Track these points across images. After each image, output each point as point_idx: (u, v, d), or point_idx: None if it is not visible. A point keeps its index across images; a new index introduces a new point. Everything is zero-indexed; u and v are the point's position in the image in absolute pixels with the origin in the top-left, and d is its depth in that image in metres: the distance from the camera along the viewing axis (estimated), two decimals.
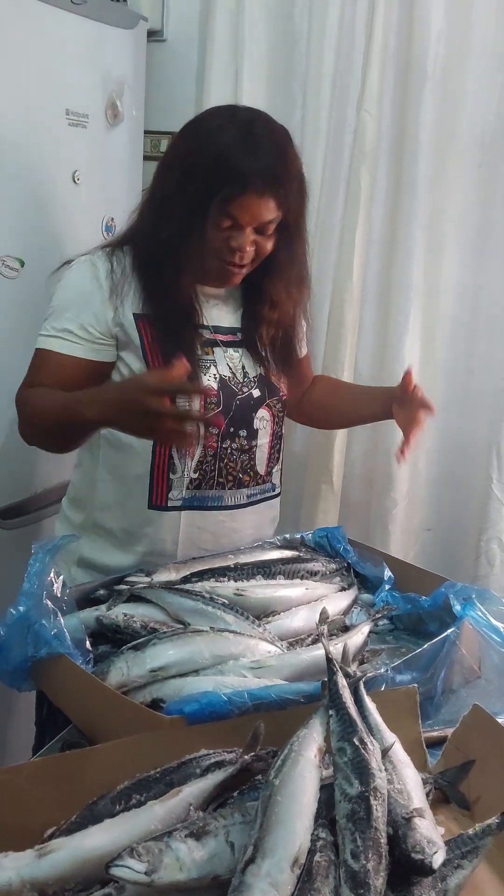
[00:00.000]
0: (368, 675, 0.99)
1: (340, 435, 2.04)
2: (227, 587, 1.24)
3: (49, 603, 1.08)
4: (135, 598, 1.22)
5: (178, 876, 0.72)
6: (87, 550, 1.42)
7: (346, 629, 1.25)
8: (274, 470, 1.50)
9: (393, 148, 1.95)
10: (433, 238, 1.94)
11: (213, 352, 1.38)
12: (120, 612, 1.18)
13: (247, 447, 1.41)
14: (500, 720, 0.99)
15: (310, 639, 1.20)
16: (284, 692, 0.97)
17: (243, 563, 1.31)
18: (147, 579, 1.26)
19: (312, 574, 1.37)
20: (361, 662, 1.19)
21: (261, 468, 1.45)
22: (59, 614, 1.08)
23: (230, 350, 1.41)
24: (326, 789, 0.82)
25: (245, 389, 1.40)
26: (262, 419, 1.43)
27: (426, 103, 1.87)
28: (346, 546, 1.51)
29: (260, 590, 1.25)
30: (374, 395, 1.62)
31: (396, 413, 1.46)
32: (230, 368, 1.39)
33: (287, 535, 1.54)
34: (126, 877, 0.70)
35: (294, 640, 1.19)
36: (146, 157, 2.11)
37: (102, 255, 1.36)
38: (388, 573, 1.43)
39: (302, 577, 1.35)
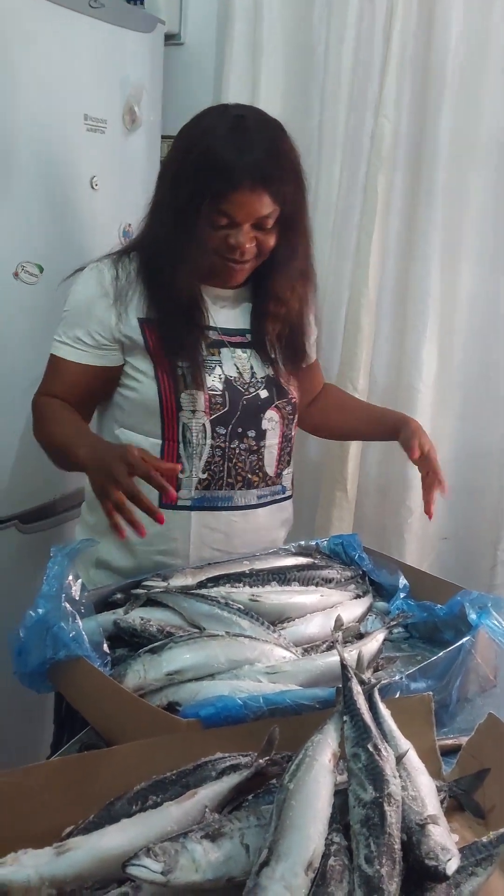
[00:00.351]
0: (383, 682, 0.99)
1: (355, 443, 2.04)
2: (242, 593, 1.24)
3: (67, 606, 1.09)
4: (151, 602, 1.23)
5: (194, 877, 0.72)
6: (104, 552, 1.43)
7: (360, 636, 1.25)
8: (284, 472, 1.50)
9: (410, 154, 1.96)
10: (451, 244, 1.94)
11: (219, 353, 1.40)
12: (137, 616, 1.19)
13: (255, 448, 1.42)
14: None
15: (324, 645, 1.20)
16: (300, 697, 0.97)
17: (258, 570, 1.32)
18: (164, 584, 1.27)
19: (327, 581, 1.38)
20: (376, 670, 1.19)
21: (270, 469, 1.45)
22: (78, 617, 1.09)
23: (238, 351, 1.41)
24: (341, 794, 0.83)
25: (252, 390, 1.41)
26: (271, 420, 1.44)
27: (444, 109, 1.88)
28: (361, 554, 1.51)
29: (275, 596, 1.25)
30: (381, 422, 1.62)
31: (402, 443, 1.49)
32: (237, 369, 1.40)
33: (302, 542, 1.54)
34: (143, 876, 0.70)
35: (309, 647, 1.20)
36: None
37: (109, 261, 1.40)
38: (403, 581, 1.43)
39: (317, 584, 1.36)
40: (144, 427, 1.39)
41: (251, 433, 1.41)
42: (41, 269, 1.72)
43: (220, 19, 2.15)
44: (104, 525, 1.43)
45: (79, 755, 0.99)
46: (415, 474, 1.99)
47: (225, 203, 1.25)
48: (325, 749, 0.84)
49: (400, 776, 0.86)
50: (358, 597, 1.36)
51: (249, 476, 1.43)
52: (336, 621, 1.17)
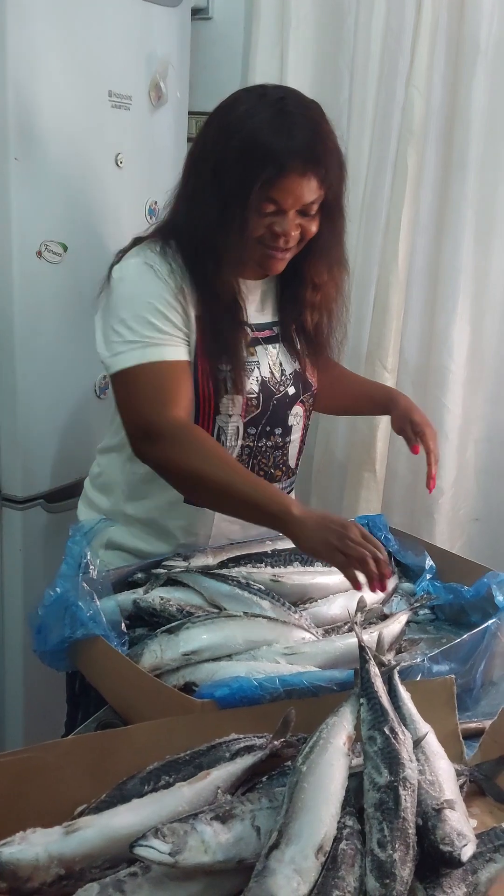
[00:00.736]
0: (403, 664, 0.98)
1: (384, 423, 2.00)
2: (263, 573, 1.23)
3: (85, 585, 1.09)
4: (172, 581, 1.23)
5: (203, 858, 0.72)
6: (118, 536, 1.40)
7: (384, 618, 1.23)
8: (300, 462, 1.49)
9: (442, 126, 1.90)
10: (483, 220, 1.89)
11: (255, 352, 1.35)
12: (157, 596, 1.18)
13: (280, 444, 1.40)
14: None
15: (346, 627, 1.19)
16: (316, 679, 0.96)
17: (280, 550, 1.30)
18: (184, 564, 1.27)
19: None
20: (399, 651, 1.18)
21: (292, 462, 1.44)
22: (95, 596, 1.08)
23: (269, 347, 1.38)
24: (356, 778, 0.81)
25: (282, 388, 1.38)
26: (296, 416, 1.41)
27: (478, 79, 1.81)
28: (387, 535, 1.49)
29: (297, 576, 1.24)
30: (370, 398, 1.61)
31: (396, 428, 1.51)
32: (270, 367, 1.37)
33: None
34: (150, 857, 0.70)
35: (330, 628, 1.18)
36: (191, 139, 2.09)
37: (156, 256, 1.27)
38: (429, 562, 1.41)
39: None
40: None
41: (278, 430, 1.39)
42: (65, 248, 1.71)
43: None
44: (115, 509, 1.41)
45: (95, 733, 0.99)
46: (446, 455, 1.97)
47: (273, 190, 1.18)
48: (339, 731, 0.83)
49: (418, 760, 0.84)
50: None
51: (273, 471, 1.41)
52: (359, 602, 1.15)
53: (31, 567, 1.80)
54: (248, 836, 0.75)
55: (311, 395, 1.44)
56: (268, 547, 1.32)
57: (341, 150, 1.27)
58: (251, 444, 1.36)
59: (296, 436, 1.42)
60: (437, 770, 0.84)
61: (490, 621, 1.16)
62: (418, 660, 1.06)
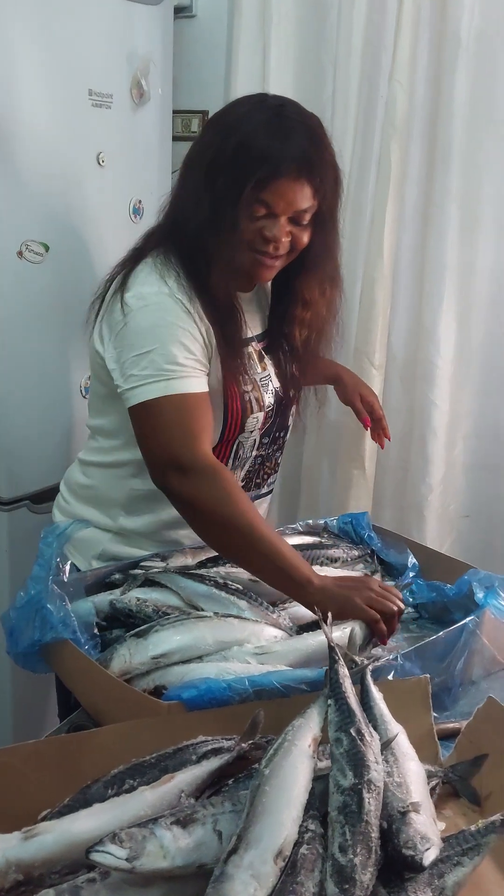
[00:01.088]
0: (375, 663, 0.96)
1: None
2: (242, 572, 1.22)
3: (56, 588, 1.08)
4: (150, 582, 1.22)
5: (162, 864, 0.70)
6: (115, 548, 1.37)
7: None
8: None
9: (426, 121, 1.88)
10: (467, 214, 1.87)
11: (267, 365, 1.38)
12: (133, 597, 1.17)
13: (281, 444, 1.45)
14: None
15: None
16: (286, 679, 0.95)
17: None
18: (162, 564, 1.26)
19: (333, 560, 1.35)
20: (374, 646, 1.16)
21: (280, 457, 1.48)
22: (66, 599, 1.07)
23: (266, 357, 1.39)
24: (322, 781, 0.80)
25: (286, 394, 1.42)
26: (292, 414, 1.46)
27: (460, 74, 1.80)
28: (370, 533, 1.48)
29: None
30: (319, 368, 1.59)
31: (340, 392, 1.64)
32: (278, 378, 1.40)
33: (310, 521, 1.52)
34: (107, 863, 0.69)
35: (307, 627, 1.17)
36: (176, 138, 2.08)
37: (173, 283, 1.21)
38: (412, 560, 1.39)
39: (322, 564, 1.33)
40: None
41: (282, 433, 1.44)
42: (47, 248, 1.70)
43: None
44: (111, 524, 1.38)
45: (62, 736, 0.98)
46: (434, 451, 1.96)
47: (265, 191, 1.17)
48: (305, 734, 0.82)
49: (387, 761, 0.83)
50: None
51: (270, 471, 1.46)
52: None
53: (17, 568, 1.79)
54: (209, 841, 0.73)
55: (300, 389, 1.46)
56: None
57: (338, 164, 1.25)
58: (263, 452, 1.39)
59: (289, 432, 1.47)
60: (405, 772, 0.83)
61: (468, 619, 1.14)
62: (391, 657, 1.04)
